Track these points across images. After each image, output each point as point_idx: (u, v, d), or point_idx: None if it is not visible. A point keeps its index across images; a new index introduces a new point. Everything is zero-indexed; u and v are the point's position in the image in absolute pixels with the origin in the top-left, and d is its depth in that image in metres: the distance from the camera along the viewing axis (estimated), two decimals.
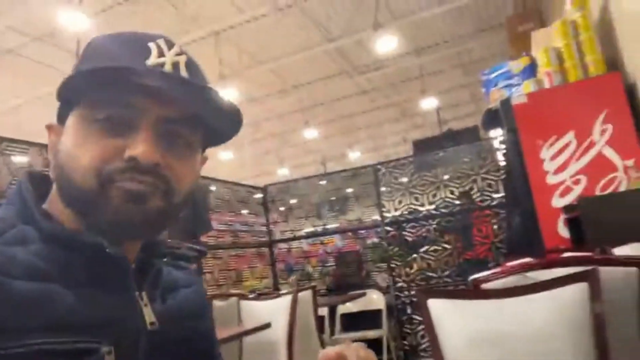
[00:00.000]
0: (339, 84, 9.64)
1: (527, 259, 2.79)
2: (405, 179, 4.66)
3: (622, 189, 3.08)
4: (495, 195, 4.38)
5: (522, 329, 1.17)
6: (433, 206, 4.54)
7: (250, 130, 10.42)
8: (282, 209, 5.15)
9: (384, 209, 4.68)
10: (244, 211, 4.82)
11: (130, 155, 0.55)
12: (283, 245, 5.12)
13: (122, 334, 0.55)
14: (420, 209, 4.58)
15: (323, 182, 5.12)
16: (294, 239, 5.05)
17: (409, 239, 4.58)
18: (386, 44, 7.07)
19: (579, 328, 1.12)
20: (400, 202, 4.63)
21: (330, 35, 7.46)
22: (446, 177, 4.55)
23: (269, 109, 10.09)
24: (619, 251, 2.36)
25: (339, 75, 9.43)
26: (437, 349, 1.28)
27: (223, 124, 0.63)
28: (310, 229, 5.11)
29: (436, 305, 1.30)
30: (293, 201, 5.19)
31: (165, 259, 0.66)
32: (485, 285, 1.43)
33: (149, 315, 0.59)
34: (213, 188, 4.78)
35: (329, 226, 5.02)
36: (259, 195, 5.09)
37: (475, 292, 1.35)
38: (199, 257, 0.70)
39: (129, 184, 0.55)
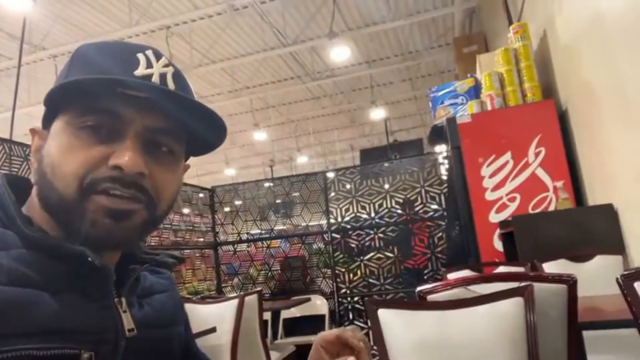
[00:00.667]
0: (292, 88, 9.68)
1: (466, 272, 2.97)
2: (352, 187, 4.77)
3: (551, 208, 3.34)
4: (436, 207, 4.58)
5: (465, 338, 1.26)
6: (378, 215, 4.68)
7: None
8: (227, 209, 5.09)
9: (331, 216, 4.76)
10: (185, 210, 4.72)
11: (115, 164, 0.55)
12: (228, 248, 5.06)
13: (102, 340, 0.55)
14: (366, 217, 4.71)
15: (269, 184, 5.13)
16: (240, 241, 5.01)
17: (353, 245, 4.69)
18: (340, 53, 7.22)
19: (514, 338, 1.23)
20: (347, 209, 4.73)
21: (285, 40, 7.48)
22: (392, 187, 4.70)
23: (219, 108, 9.94)
24: (548, 266, 2.57)
25: (291, 79, 9.48)
26: (385, 356, 1.34)
27: (208, 134, 0.64)
28: (257, 232, 5.09)
29: (385, 315, 1.36)
30: (240, 203, 5.15)
31: (144, 266, 0.66)
32: (431, 297, 1.52)
33: (128, 322, 0.59)
34: None
35: (275, 228, 5.02)
36: (202, 195, 5.01)
37: (422, 304, 1.43)
38: (176, 264, 0.71)
39: (109, 201, 0.55)
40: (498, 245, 3.43)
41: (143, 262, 0.67)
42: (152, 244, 4.10)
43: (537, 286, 1.35)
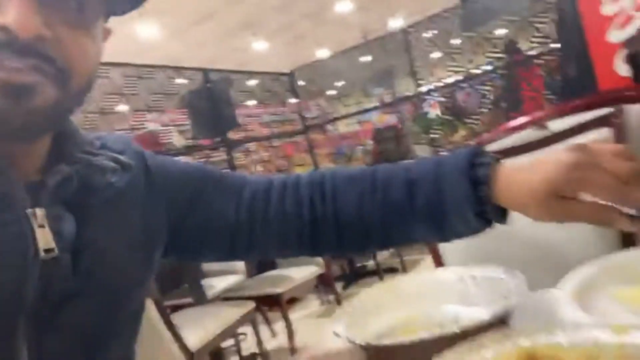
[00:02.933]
0: None
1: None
2: (443, 39, 4.18)
3: None
4: (546, 41, 3.82)
5: None
6: (474, 65, 4.09)
7: (278, 14, 9.77)
8: (311, 89, 4.89)
9: (418, 77, 4.29)
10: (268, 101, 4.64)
11: (1, 24, 0.40)
12: (321, 129, 4.96)
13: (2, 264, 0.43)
14: (460, 69, 4.15)
15: (363, 59, 4.73)
16: (330, 121, 4.86)
17: (450, 105, 4.23)
18: None
19: None
20: (435, 66, 4.21)
21: None
22: (488, 30, 4.00)
23: None
24: None
25: None
26: None
27: None
28: (348, 108, 4.87)
29: None
30: (327, 83, 4.91)
31: (73, 167, 0.50)
32: (491, 146, 1.20)
33: (44, 240, 0.45)
34: (244, 83, 4.59)
35: (367, 106, 4.75)
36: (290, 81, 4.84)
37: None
38: (117, 170, 0.52)
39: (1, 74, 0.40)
40: (622, 70, 2.75)
41: (76, 162, 0.50)
42: (237, 138, 4.14)
43: (637, 109, 0.95)
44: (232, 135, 4.03)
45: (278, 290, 2.46)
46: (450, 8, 4.29)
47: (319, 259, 2.77)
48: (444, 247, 1.10)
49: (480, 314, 0.47)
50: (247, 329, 2.51)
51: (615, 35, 2.78)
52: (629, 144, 0.92)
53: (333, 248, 0.62)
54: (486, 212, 0.51)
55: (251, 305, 2.33)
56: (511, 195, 0.50)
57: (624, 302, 0.45)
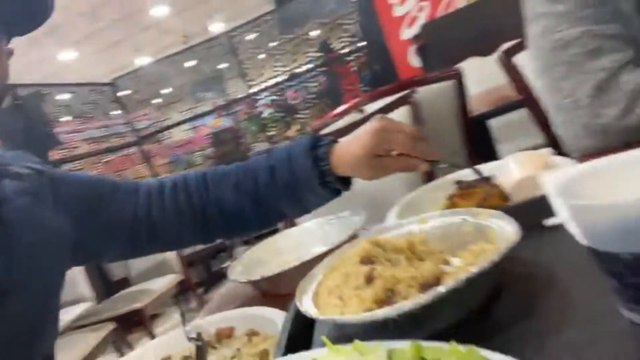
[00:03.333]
0: None
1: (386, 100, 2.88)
2: (261, 41, 4.40)
3: (461, 5, 3.17)
4: (351, 39, 4.33)
5: None
6: (296, 67, 4.42)
7: (86, 20, 8.96)
8: (138, 99, 4.68)
9: (248, 79, 4.47)
10: (91, 114, 4.31)
11: None
12: (155, 139, 4.78)
13: None
14: (284, 69, 4.44)
15: (188, 64, 4.67)
16: (161, 130, 4.73)
17: (281, 103, 4.51)
18: None
19: None
20: (263, 67, 4.43)
21: None
22: (303, 32, 4.37)
23: None
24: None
25: None
26: None
27: (28, 6, 0.53)
28: (182, 116, 4.79)
29: None
30: (154, 90, 4.74)
31: None
32: (325, 131, 1.40)
33: None
34: (57, 97, 4.16)
35: (195, 109, 4.74)
36: (115, 92, 4.54)
37: None
38: (32, 175, 0.57)
39: None
40: (415, 61, 3.32)
41: None
42: (65, 158, 3.78)
43: (425, 89, 1.24)
44: (53, 155, 3.65)
45: (138, 305, 2.35)
46: (267, 12, 4.56)
47: (175, 266, 2.73)
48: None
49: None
50: (112, 356, 2.36)
51: (406, 33, 3.34)
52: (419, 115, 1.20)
53: (221, 233, 0.73)
54: (331, 182, 0.66)
55: (109, 326, 2.20)
56: (344, 165, 0.65)
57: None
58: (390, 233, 0.51)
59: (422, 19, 3.30)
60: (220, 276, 4.06)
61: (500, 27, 2.62)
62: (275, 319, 0.52)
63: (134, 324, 2.49)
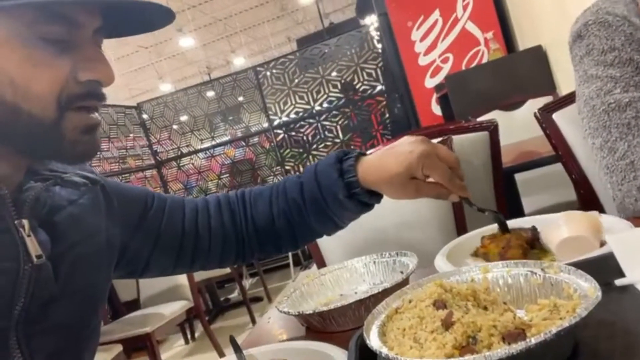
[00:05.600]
0: None
1: None
2: (286, 78, 4.52)
3: (484, 61, 3.27)
4: (374, 83, 4.44)
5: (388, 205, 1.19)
6: (317, 103, 4.51)
7: (113, 45, 9.30)
8: (160, 124, 4.78)
9: (270, 113, 4.57)
10: (114, 134, 4.40)
11: (92, 79, 0.50)
12: (173, 164, 4.86)
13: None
14: (306, 107, 4.54)
15: (210, 94, 4.80)
16: (182, 155, 4.81)
17: (298, 139, 4.58)
18: None
19: None
20: (285, 102, 4.53)
21: None
22: (326, 72, 4.49)
23: None
24: (481, 120, 2.55)
25: None
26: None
27: (154, 18, 0.59)
28: (201, 144, 4.88)
29: None
30: (176, 117, 4.85)
31: (46, 183, 0.56)
32: None
33: (34, 247, 0.51)
34: None
35: (217, 137, 4.82)
36: (129, 114, 4.65)
37: None
38: (87, 184, 0.58)
39: (85, 117, 0.51)
40: (436, 109, 3.39)
41: (47, 180, 0.57)
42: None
43: (459, 137, 1.27)
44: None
45: (148, 329, 2.34)
46: (290, 52, 4.72)
47: (187, 292, 2.72)
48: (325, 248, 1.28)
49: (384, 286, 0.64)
50: None
51: (430, 82, 3.43)
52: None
53: (256, 252, 0.75)
54: (358, 194, 0.66)
55: (117, 348, 2.19)
56: (375, 179, 0.65)
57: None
58: (452, 279, 0.52)
59: (446, 70, 3.39)
60: (227, 307, 4.02)
61: (520, 84, 2.70)
62: (331, 354, 0.53)
63: (140, 348, 2.47)
